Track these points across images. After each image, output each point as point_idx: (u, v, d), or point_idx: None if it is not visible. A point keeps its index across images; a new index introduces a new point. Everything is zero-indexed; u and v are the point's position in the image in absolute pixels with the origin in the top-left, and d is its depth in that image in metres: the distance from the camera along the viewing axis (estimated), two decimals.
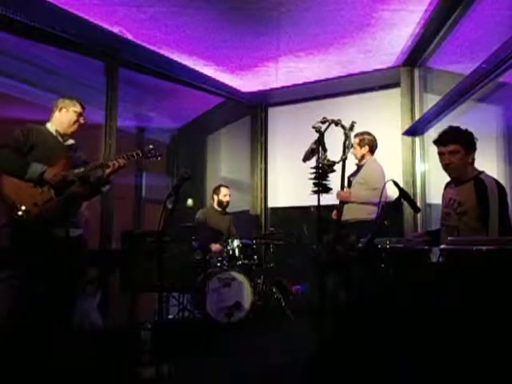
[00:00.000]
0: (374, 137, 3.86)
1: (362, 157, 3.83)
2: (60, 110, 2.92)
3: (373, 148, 3.85)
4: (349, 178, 3.75)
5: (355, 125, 3.07)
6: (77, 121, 2.94)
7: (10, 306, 2.73)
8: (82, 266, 3.21)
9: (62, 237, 2.76)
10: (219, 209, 4.97)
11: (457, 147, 2.50)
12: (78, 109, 2.95)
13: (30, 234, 2.68)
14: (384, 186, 2.62)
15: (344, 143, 3.09)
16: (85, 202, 3.17)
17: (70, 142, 2.99)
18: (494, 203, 2.25)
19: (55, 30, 3.76)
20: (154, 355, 2.69)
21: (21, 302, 2.68)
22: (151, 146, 3.05)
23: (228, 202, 4.97)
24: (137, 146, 6.25)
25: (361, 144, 3.81)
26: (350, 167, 3.74)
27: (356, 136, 3.80)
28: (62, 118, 2.92)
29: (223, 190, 4.96)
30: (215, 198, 4.99)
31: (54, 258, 2.70)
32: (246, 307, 3.97)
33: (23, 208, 2.62)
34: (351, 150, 3.55)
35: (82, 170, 2.83)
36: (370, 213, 3.54)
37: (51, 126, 2.92)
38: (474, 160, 2.50)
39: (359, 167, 3.84)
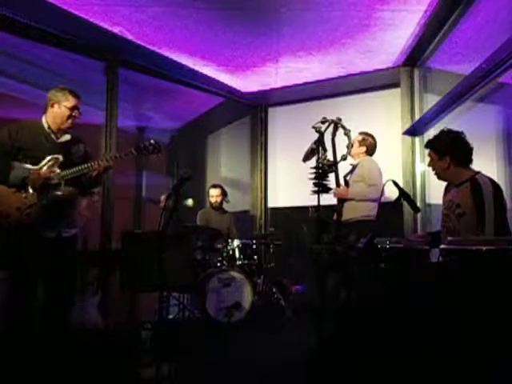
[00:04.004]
0: (375, 142, 3.86)
1: (357, 155, 3.83)
2: (52, 105, 2.78)
3: (369, 151, 3.84)
4: (344, 177, 3.73)
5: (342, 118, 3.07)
6: (70, 116, 2.79)
7: (7, 307, 2.73)
8: (78, 265, 3.19)
9: (52, 238, 2.70)
10: (214, 209, 4.97)
11: (430, 153, 2.59)
12: (71, 103, 2.78)
13: (13, 238, 2.62)
14: (382, 181, 2.61)
15: (332, 140, 3.07)
16: (79, 201, 3.10)
17: (65, 138, 2.85)
18: (490, 203, 2.25)
19: (55, 30, 3.77)
20: (154, 355, 2.69)
21: (15, 303, 2.68)
22: (151, 141, 2.87)
23: (217, 202, 4.91)
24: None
25: (361, 143, 3.81)
26: (344, 167, 3.69)
27: (360, 134, 3.82)
28: (54, 114, 2.78)
29: (211, 192, 4.95)
30: (208, 199, 5.02)
31: (45, 260, 2.66)
32: (246, 307, 3.97)
33: None
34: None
35: (67, 171, 2.73)
36: (369, 210, 3.54)
37: (45, 122, 2.79)
38: (464, 163, 2.49)
39: (354, 166, 3.83)
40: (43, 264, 2.68)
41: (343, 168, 3.39)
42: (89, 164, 2.76)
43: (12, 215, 2.60)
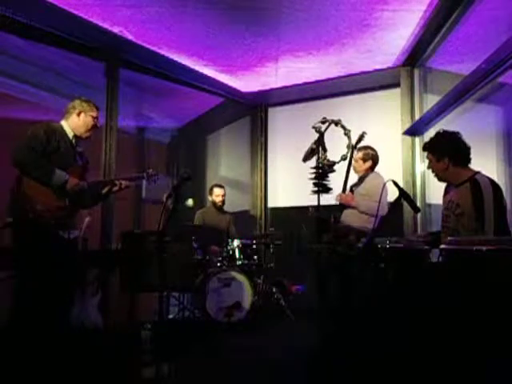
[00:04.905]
0: (377, 153, 3.77)
1: (364, 171, 3.74)
2: (78, 114, 2.90)
3: (375, 164, 3.75)
4: (351, 187, 3.72)
5: (366, 133, 3.06)
6: (94, 125, 2.96)
7: (9, 306, 2.74)
8: (80, 266, 3.23)
9: (64, 238, 2.79)
10: (215, 209, 4.97)
11: (428, 155, 2.60)
12: (95, 113, 2.95)
13: (36, 237, 2.69)
14: (383, 196, 2.59)
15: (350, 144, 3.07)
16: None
17: (80, 148, 2.99)
18: (489, 203, 2.26)
19: (55, 29, 3.77)
20: (154, 355, 2.69)
21: (21, 301, 2.69)
22: (152, 171, 3.14)
23: (221, 202, 4.95)
24: (137, 147, 6.27)
25: (365, 158, 3.71)
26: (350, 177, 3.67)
27: (359, 150, 3.70)
28: (81, 123, 2.90)
29: (216, 191, 4.96)
30: (210, 198, 5.03)
31: (58, 260, 2.72)
32: (246, 307, 3.97)
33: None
34: (352, 163, 3.55)
35: (96, 182, 2.95)
36: (366, 222, 3.47)
37: (68, 130, 2.89)
38: (463, 163, 2.49)
39: (361, 178, 3.75)
40: (57, 263, 2.73)
41: (342, 168, 3.38)
42: (115, 180, 3.03)
43: (44, 216, 2.66)
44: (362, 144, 3.59)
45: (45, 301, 2.66)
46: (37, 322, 2.60)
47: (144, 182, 3.21)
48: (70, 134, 2.89)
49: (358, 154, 3.70)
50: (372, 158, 3.75)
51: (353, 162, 3.57)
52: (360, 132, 3.71)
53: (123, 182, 3.00)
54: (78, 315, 3.22)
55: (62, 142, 2.81)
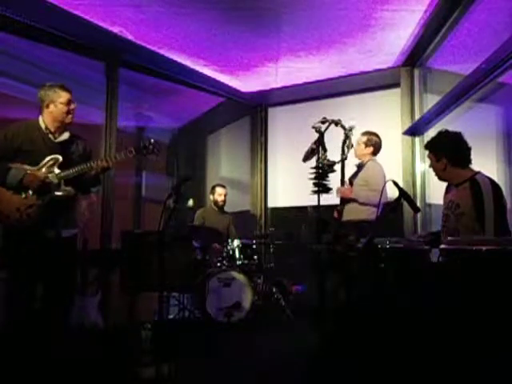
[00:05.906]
0: (380, 140, 3.81)
1: (364, 156, 3.78)
2: (47, 106, 2.74)
3: (376, 151, 3.79)
4: (349, 179, 3.73)
5: (355, 126, 3.08)
6: (68, 111, 2.77)
7: (7, 306, 2.74)
8: (77, 265, 3.18)
9: (51, 238, 2.71)
10: (216, 208, 4.98)
11: (429, 154, 2.61)
12: (64, 98, 2.75)
13: (13, 238, 2.65)
14: (384, 186, 2.63)
15: (344, 143, 3.10)
16: (79, 201, 3.10)
17: (63, 137, 2.82)
18: (489, 203, 2.26)
19: (55, 29, 3.76)
20: (154, 355, 2.69)
21: (15, 302, 2.68)
22: (151, 141, 2.87)
23: (223, 202, 4.98)
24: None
25: (367, 143, 3.75)
26: (349, 167, 3.68)
27: (364, 134, 3.76)
28: (53, 114, 2.75)
29: (218, 190, 4.98)
30: (211, 197, 5.05)
31: (44, 259, 2.67)
32: (246, 307, 3.97)
33: None
34: (354, 147, 3.55)
35: (66, 172, 2.72)
36: (370, 213, 3.52)
37: (42, 123, 2.77)
38: (462, 163, 2.50)
39: (359, 168, 3.79)
40: (42, 264, 2.69)
41: (345, 167, 3.38)
42: (87, 164, 2.76)
43: (12, 216, 2.61)
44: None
45: (39, 301, 2.65)
46: (32, 324, 2.60)
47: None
48: (43, 127, 2.76)
49: (361, 138, 3.72)
50: (374, 144, 3.77)
51: (355, 145, 3.53)
52: (357, 132, 3.72)
53: (99, 163, 2.77)
54: (78, 315, 3.22)
55: (29, 138, 2.70)
